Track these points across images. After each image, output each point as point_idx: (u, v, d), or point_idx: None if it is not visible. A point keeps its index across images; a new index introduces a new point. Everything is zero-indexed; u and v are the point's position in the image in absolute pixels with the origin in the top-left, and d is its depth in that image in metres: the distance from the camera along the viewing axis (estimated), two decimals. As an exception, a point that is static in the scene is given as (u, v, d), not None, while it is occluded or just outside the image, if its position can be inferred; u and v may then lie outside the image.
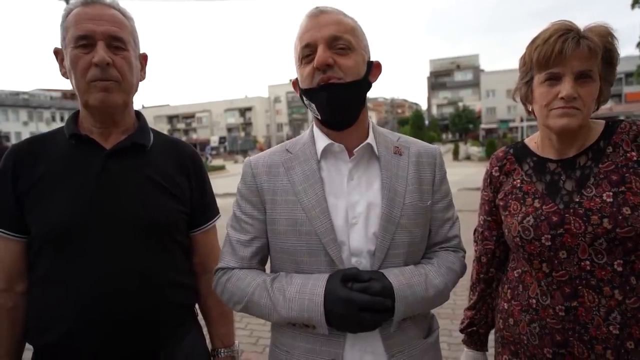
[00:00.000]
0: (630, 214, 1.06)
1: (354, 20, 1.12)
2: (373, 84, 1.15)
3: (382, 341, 1.07)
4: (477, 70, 73.43)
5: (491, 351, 1.42)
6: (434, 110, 77.70)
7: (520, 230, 1.19)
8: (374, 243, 1.06)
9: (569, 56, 1.09)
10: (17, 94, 58.95)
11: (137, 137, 1.24)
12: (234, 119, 78.69)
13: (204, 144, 65.00)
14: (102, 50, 1.13)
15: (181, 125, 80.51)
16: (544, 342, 1.17)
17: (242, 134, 75.65)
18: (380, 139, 1.16)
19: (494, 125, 59.02)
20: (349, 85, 1.05)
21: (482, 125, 62.13)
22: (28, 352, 1.23)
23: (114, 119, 1.22)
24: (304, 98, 1.11)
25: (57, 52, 1.22)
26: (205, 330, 1.45)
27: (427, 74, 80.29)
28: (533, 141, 1.30)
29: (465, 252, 1.25)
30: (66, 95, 62.74)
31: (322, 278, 1.02)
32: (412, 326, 1.11)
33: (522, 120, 33.43)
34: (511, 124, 49.79)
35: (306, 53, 1.07)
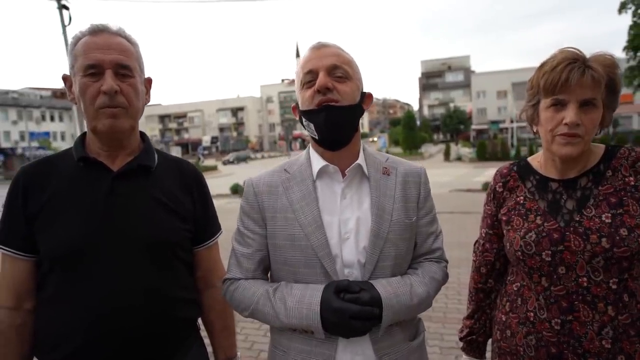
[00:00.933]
0: (627, 235, 1.13)
1: (350, 55, 1.25)
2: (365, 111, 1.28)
3: (372, 344, 1.16)
4: (468, 72, 73.96)
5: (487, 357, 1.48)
6: (426, 111, 78.12)
7: (522, 245, 1.24)
8: (364, 256, 1.17)
9: (574, 84, 1.14)
10: (6, 92, 58.11)
11: (142, 159, 1.28)
12: (226, 119, 78.47)
13: (196, 144, 64.84)
14: (110, 79, 1.17)
15: (173, 125, 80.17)
16: (539, 354, 1.22)
17: (234, 133, 75.46)
18: (370, 160, 1.27)
19: (484, 126, 59.49)
20: (345, 108, 1.17)
21: (473, 126, 62.63)
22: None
23: (121, 143, 1.26)
24: (303, 119, 1.21)
25: (66, 79, 1.26)
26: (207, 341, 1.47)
27: (419, 75, 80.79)
28: (536, 160, 1.36)
29: (447, 262, 1.35)
30: (56, 94, 62.13)
31: (318, 289, 1.13)
32: (399, 330, 1.21)
33: (512, 121, 33.77)
34: (501, 125, 50.23)
35: (308, 79, 1.18)
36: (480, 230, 1.48)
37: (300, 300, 1.12)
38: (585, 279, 1.17)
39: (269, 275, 1.32)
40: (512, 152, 26.86)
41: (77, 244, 1.15)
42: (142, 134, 1.38)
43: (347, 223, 1.18)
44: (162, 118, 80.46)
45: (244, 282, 1.25)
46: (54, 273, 1.18)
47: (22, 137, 51.49)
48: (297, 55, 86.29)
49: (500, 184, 1.39)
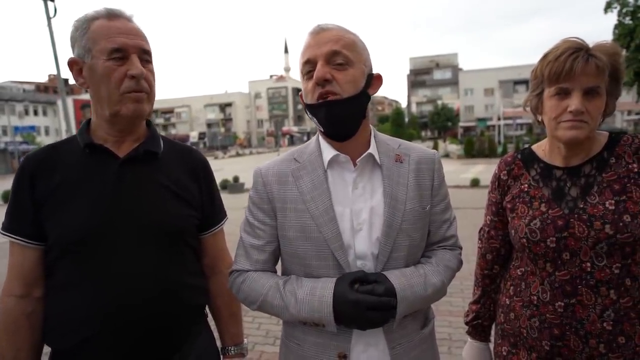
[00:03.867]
0: (630, 221, 1.15)
1: (355, 35, 1.17)
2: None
3: (384, 335, 1.15)
4: (455, 69, 74.49)
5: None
6: (414, 108, 78.48)
7: (527, 232, 1.26)
8: (377, 247, 1.14)
9: (578, 73, 1.16)
10: (-13, 85, 56.98)
11: (149, 145, 1.28)
12: (214, 115, 77.97)
13: (184, 139, 64.24)
14: (138, 64, 1.18)
15: (160, 121, 79.39)
16: (542, 335, 1.25)
17: (222, 129, 74.98)
18: (382, 147, 1.22)
19: (472, 124, 59.98)
20: (346, 101, 1.10)
21: (461, 123, 63.16)
22: (44, 355, 1.27)
23: (132, 129, 1.26)
24: (308, 112, 1.17)
25: (75, 62, 1.21)
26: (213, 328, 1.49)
27: (407, 72, 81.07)
28: (540, 148, 1.38)
29: (461, 248, 1.33)
30: (40, 88, 61.07)
31: (331, 281, 1.10)
32: (410, 320, 1.19)
33: (499, 118, 34.06)
34: (489, 123, 50.68)
35: (307, 69, 1.12)
36: (485, 217, 1.50)
37: (311, 292, 1.09)
38: (588, 264, 1.19)
39: (278, 267, 1.29)
40: (499, 149, 27.10)
41: (87, 231, 1.15)
42: (148, 121, 1.37)
43: (360, 214, 1.15)
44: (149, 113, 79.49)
45: (252, 274, 1.21)
46: (64, 260, 1.17)
47: (5, 132, 50.51)
48: (286, 51, 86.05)
49: (505, 172, 1.40)
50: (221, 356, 1.46)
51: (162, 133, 1.48)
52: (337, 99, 1.09)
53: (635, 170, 1.21)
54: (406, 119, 66.71)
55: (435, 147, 32.91)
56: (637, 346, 1.18)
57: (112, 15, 1.20)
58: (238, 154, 47.25)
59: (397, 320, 1.11)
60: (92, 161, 1.22)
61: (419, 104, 78.47)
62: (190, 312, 1.30)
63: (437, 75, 76.66)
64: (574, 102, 1.17)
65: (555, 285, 1.23)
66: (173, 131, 77.52)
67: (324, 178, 1.17)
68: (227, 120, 77.54)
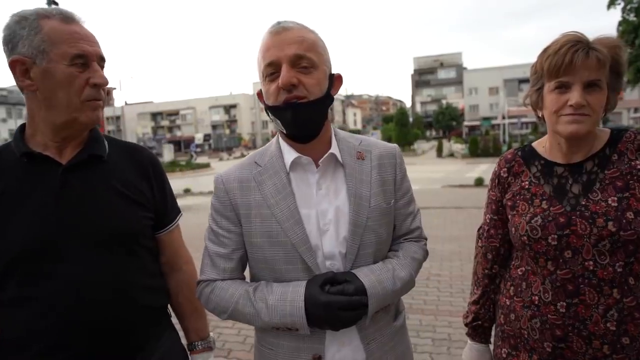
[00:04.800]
0: (634, 218, 1.13)
1: (315, 34, 1.14)
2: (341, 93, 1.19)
3: (358, 333, 1.16)
4: (460, 68, 74.20)
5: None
6: (418, 108, 78.27)
7: (528, 230, 1.24)
8: (345, 246, 1.14)
9: (579, 66, 1.14)
10: (-5, 90, 57.44)
11: (92, 149, 1.23)
12: (219, 116, 78.05)
13: (189, 141, 64.34)
14: (101, 72, 1.16)
15: (165, 123, 79.59)
16: (544, 337, 1.23)
17: (227, 131, 75.11)
18: (343, 145, 1.21)
19: (476, 123, 59.75)
20: (312, 103, 1.09)
21: (465, 123, 62.85)
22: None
23: (79, 135, 1.22)
24: (269, 113, 1.14)
25: (20, 62, 1.11)
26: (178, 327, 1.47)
27: (411, 72, 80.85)
28: (541, 145, 1.36)
29: (426, 239, 1.36)
30: (46, 91, 61.16)
31: (301, 285, 1.10)
32: (382, 314, 1.20)
33: (503, 117, 33.87)
34: (493, 122, 50.46)
35: (270, 71, 1.09)
36: (484, 216, 1.48)
37: (282, 298, 1.09)
38: (591, 262, 1.17)
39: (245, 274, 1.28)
40: (504, 148, 26.98)
41: (35, 244, 1.11)
42: None
43: (326, 214, 1.15)
44: (155, 116, 79.83)
45: (220, 283, 1.19)
46: (12, 275, 1.12)
47: (12, 135, 50.80)
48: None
49: (505, 169, 1.39)
50: (188, 352, 1.44)
51: (167, 135, 1.47)
52: (303, 102, 1.08)
53: (638, 167, 1.19)
54: (410, 119, 66.50)
55: (440, 146, 32.81)
56: None
57: (68, 18, 1.14)
58: (243, 155, 47.30)
59: (369, 317, 1.12)
60: (31, 170, 1.15)
61: (423, 103, 78.26)
62: (150, 314, 1.28)
63: (442, 74, 76.41)
64: (575, 95, 1.15)
65: (556, 285, 1.21)
66: (178, 133, 77.66)
67: (287, 181, 1.15)
68: (232, 122, 77.60)
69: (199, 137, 69.16)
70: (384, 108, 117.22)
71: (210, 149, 65.16)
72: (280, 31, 1.09)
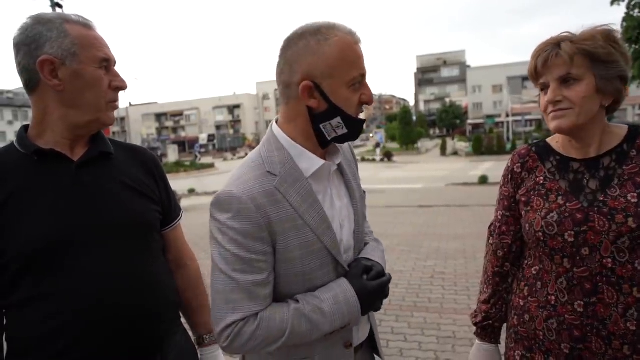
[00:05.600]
0: None
1: None
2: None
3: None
4: (463, 66, 73.90)
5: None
6: (422, 106, 78.01)
7: (543, 226, 1.22)
8: (353, 238, 1.23)
9: (551, 66, 1.20)
10: (1, 93, 57.73)
11: (101, 146, 1.28)
12: (223, 117, 78.24)
13: (193, 141, 64.49)
14: (120, 76, 1.25)
15: (169, 123, 79.82)
16: (561, 338, 1.20)
17: (231, 131, 75.25)
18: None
19: (480, 121, 59.62)
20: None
21: (469, 121, 62.74)
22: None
23: (90, 133, 1.28)
24: (337, 118, 1.10)
25: (50, 62, 1.13)
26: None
27: (414, 70, 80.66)
28: (555, 140, 1.35)
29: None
30: (50, 93, 61.53)
31: (342, 283, 1.13)
32: None
33: (507, 115, 33.77)
34: (497, 119, 50.33)
35: (358, 80, 1.09)
36: (495, 213, 1.45)
37: (335, 301, 1.09)
38: (610, 260, 1.14)
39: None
40: (508, 146, 26.92)
41: (50, 240, 1.11)
42: None
43: (341, 212, 1.20)
44: (159, 116, 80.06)
45: (263, 314, 1.06)
46: (28, 273, 1.12)
47: (18, 138, 51.10)
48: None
49: (519, 164, 1.36)
50: (197, 347, 1.48)
51: (172, 136, 1.51)
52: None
53: None
54: (414, 118, 66.35)
55: (444, 145, 32.73)
56: None
57: (88, 25, 1.20)
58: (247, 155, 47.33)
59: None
60: (43, 167, 1.17)
61: (427, 102, 78.05)
62: (170, 307, 1.32)
63: (445, 72, 76.20)
64: (548, 93, 1.22)
65: (573, 283, 1.18)
66: (182, 134, 77.88)
67: (310, 187, 1.12)
68: (236, 122, 77.78)
69: (203, 138, 69.35)
70: (387, 107, 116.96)
71: (214, 149, 65.19)
72: (359, 41, 1.12)
